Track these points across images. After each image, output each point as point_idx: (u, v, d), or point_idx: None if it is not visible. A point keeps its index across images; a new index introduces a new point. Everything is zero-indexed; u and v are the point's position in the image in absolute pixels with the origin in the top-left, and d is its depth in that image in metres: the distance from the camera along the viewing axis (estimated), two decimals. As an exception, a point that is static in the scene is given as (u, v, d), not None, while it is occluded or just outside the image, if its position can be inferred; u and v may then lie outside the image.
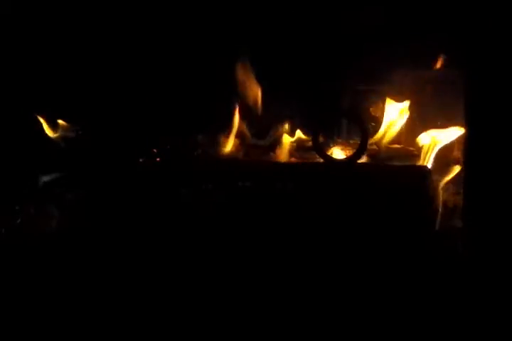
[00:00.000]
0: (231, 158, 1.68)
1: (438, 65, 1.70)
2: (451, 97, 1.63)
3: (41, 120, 1.69)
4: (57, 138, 1.69)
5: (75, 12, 1.73)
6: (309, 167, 1.63)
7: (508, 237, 1.45)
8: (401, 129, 1.70)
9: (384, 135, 1.68)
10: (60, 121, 1.70)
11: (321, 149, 1.62)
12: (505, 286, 1.42)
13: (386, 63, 1.71)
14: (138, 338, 1.42)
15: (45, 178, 1.63)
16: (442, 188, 1.62)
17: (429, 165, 1.64)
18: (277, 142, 1.68)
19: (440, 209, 1.60)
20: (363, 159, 1.62)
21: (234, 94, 1.74)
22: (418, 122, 1.72)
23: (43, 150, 1.70)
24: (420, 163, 1.65)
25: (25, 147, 1.70)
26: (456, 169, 1.63)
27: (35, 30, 1.73)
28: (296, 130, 1.71)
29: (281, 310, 1.44)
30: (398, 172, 1.61)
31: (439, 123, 1.68)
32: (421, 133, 1.68)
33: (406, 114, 1.69)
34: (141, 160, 1.66)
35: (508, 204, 1.46)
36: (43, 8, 1.73)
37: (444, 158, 1.66)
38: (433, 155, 1.65)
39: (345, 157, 1.63)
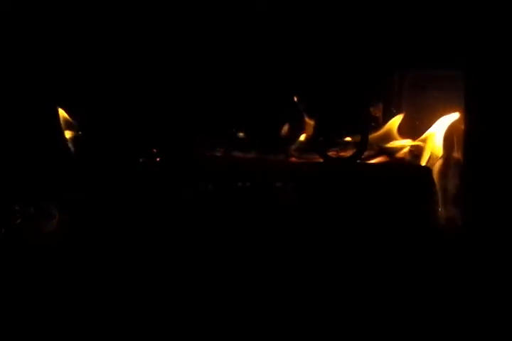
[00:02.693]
0: (231, 157, 1.67)
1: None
2: (450, 95, 1.64)
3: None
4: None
5: (76, 12, 1.72)
6: (309, 167, 1.63)
7: (508, 235, 1.46)
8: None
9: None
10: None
11: (321, 149, 1.62)
12: (508, 283, 1.43)
13: (385, 63, 1.71)
14: (138, 338, 1.42)
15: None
16: (443, 187, 1.62)
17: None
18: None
19: (441, 208, 1.61)
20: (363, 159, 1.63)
21: (233, 94, 1.75)
22: (417, 122, 1.72)
23: (43, 151, 1.70)
24: (421, 162, 1.66)
25: (25, 147, 1.70)
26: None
27: (34, 30, 1.73)
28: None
29: (282, 309, 1.45)
30: (399, 172, 1.61)
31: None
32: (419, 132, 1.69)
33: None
34: (141, 160, 1.66)
35: (509, 203, 1.47)
36: (42, 8, 1.73)
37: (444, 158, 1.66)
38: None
39: (345, 157, 1.63)
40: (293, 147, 1.68)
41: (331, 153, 1.64)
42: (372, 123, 1.71)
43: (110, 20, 1.72)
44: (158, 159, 1.66)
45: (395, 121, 1.68)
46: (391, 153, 1.66)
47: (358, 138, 1.62)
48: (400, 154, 1.66)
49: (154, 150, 1.67)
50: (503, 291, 1.44)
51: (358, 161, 1.61)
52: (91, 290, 1.49)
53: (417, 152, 1.67)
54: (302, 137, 1.70)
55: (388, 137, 1.67)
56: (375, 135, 1.66)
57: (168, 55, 1.75)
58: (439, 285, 1.47)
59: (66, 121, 1.69)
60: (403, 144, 1.67)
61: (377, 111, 1.74)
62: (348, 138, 1.69)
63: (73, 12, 1.73)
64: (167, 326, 1.43)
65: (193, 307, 1.46)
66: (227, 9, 1.74)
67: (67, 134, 1.68)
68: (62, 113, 1.69)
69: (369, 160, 1.64)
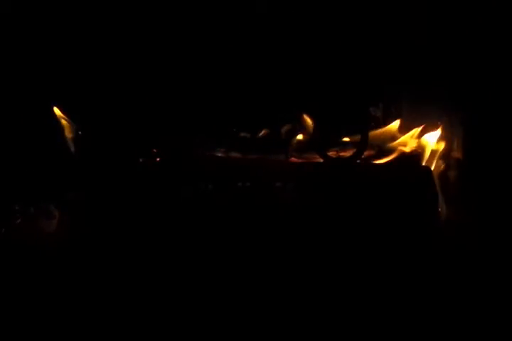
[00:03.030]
0: (231, 158, 1.67)
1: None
2: (450, 95, 1.64)
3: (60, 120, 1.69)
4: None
5: (75, 12, 1.72)
6: (309, 167, 1.63)
7: (507, 234, 1.46)
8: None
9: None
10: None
11: (321, 149, 1.62)
12: (508, 282, 1.43)
13: (385, 63, 1.71)
14: (138, 338, 1.42)
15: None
16: (444, 187, 1.62)
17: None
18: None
19: (441, 208, 1.61)
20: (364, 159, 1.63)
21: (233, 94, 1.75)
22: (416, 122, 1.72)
23: (43, 151, 1.70)
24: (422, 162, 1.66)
25: (25, 147, 1.70)
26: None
27: (33, 30, 1.73)
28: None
29: (282, 308, 1.45)
30: (399, 172, 1.61)
31: (438, 123, 1.68)
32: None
33: None
34: (141, 160, 1.66)
35: (507, 203, 1.48)
36: (42, 8, 1.73)
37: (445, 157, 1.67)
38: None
39: (345, 157, 1.63)
40: (293, 147, 1.68)
41: (331, 153, 1.64)
42: (372, 123, 1.71)
43: (110, 20, 1.72)
44: (158, 159, 1.66)
45: (395, 124, 1.68)
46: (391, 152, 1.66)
47: (358, 138, 1.62)
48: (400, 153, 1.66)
49: (154, 150, 1.67)
50: (502, 290, 1.45)
51: (358, 161, 1.62)
52: (91, 290, 1.49)
53: (416, 151, 1.67)
54: (302, 137, 1.70)
55: (388, 137, 1.67)
56: (375, 135, 1.66)
57: (168, 55, 1.75)
58: (439, 284, 1.47)
59: (64, 120, 1.69)
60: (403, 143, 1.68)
61: (377, 111, 1.74)
62: (347, 139, 1.69)
63: (73, 12, 1.73)
64: (167, 326, 1.43)
65: (193, 306, 1.46)
66: (227, 9, 1.74)
67: (67, 134, 1.68)
68: (58, 112, 1.69)
69: (377, 160, 1.64)
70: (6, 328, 1.42)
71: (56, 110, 1.68)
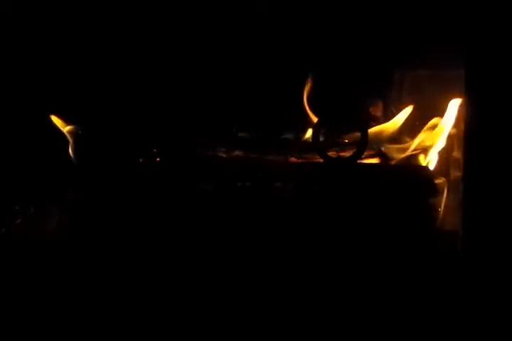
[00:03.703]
0: (231, 158, 1.67)
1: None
2: (450, 94, 1.64)
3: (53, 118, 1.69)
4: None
5: (75, 13, 1.73)
6: (309, 167, 1.63)
7: (506, 237, 1.46)
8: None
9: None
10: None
11: (321, 149, 1.62)
12: (502, 285, 1.43)
13: (384, 61, 1.72)
14: (138, 338, 1.42)
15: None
16: (442, 188, 1.62)
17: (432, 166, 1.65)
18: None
19: (440, 209, 1.61)
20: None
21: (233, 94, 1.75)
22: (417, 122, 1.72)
23: (43, 151, 1.70)
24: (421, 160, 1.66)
25: (24, 147, 1.70)
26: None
27: (34, 32, 1.74)
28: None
29: (282, 309, 1.45)
30: (398, 172, 1.61)
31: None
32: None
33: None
34: (141, 160, 1.66)
35: (507, 205, 1.47)
36: (42, 10, 1.74)
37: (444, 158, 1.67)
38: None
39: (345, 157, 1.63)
40: (293, 147, 1.68)
41: (331, 153, 1.64)
42: (372, 122, 1.71)
43: (110, 21, 1.73)
44: (158, 159, 1.66)
45: (399, 120, 1.68)
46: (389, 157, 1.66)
47: (358, 137, 1.62)
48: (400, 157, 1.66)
49: (154, 150, 1.67)
50: (500, 292, 1.44)
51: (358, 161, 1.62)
52: (91, 290, 1.49)
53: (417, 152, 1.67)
54: (302, 137, 1.70)
55: (390, 136, 1.67)
56: (376, 133, 1.65)
57: (168, 56, 1.76)
58: (437, 286, 1.47)
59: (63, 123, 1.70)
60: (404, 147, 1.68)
61: (377, 111, 1.74)
62: (346, 140, 1.69)
63: (73, 13, 1.73)
64: (167, 326, 1.43)
65: (193, 307, 1.46)
66: (227, 11, 1.74)
67: (67, 134, 1.68)
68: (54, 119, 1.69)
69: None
70: (6, 328, 1.42)
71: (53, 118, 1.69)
